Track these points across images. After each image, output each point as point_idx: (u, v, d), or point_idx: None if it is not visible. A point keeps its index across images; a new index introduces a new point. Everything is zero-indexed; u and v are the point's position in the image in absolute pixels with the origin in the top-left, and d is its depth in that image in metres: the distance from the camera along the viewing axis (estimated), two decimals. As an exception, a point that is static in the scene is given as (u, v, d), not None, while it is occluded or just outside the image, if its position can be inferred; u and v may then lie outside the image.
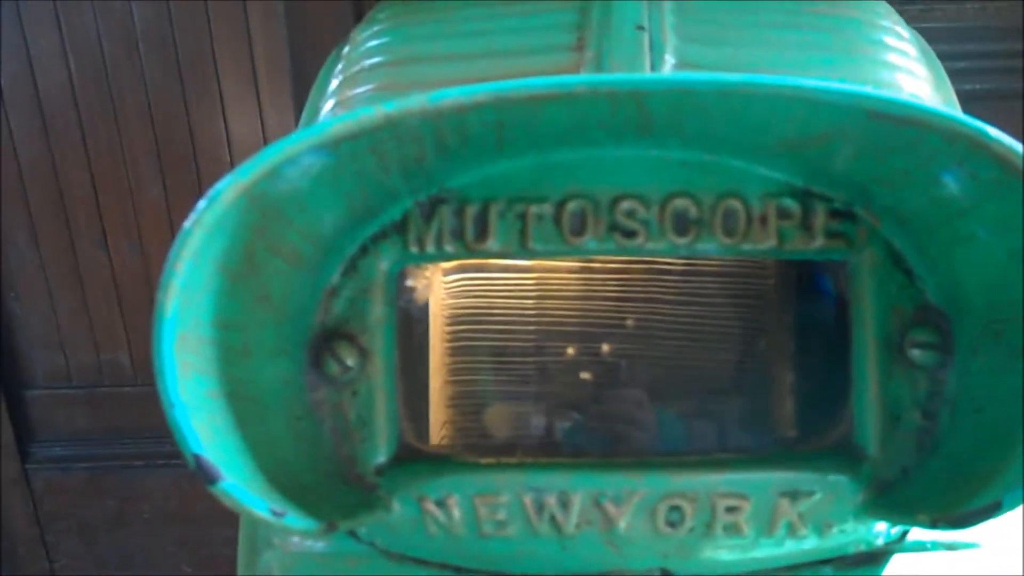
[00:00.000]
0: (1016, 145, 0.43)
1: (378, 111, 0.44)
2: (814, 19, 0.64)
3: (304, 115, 0.69)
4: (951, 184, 0.47)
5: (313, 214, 0.50)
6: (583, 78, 0.45)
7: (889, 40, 0.64)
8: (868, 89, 0.44)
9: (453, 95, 0.45)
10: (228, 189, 0.43)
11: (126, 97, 1.45)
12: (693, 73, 0.53)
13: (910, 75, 0.62)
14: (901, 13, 0.71)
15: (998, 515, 0.46)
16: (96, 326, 1.55)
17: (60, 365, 1.56)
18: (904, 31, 0.67)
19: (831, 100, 0.44)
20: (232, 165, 1.44)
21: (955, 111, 0.53)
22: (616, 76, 0.50)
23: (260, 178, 0.44)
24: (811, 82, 0.44)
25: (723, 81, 0.44)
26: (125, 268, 1.52)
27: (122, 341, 1.55)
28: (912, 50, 0.65)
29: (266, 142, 1.47)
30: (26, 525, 1.62)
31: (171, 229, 1.51)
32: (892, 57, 0.63)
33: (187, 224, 0.43)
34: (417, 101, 0.44)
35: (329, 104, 0.63)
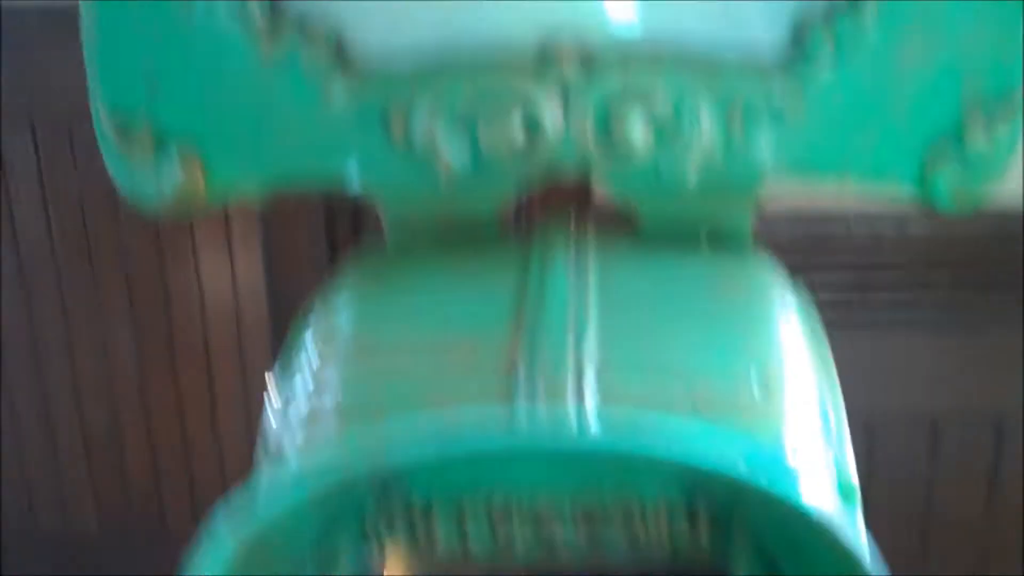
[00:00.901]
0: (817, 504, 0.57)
1: (332, 473, 0.58)
2: (716, 306, 0.76)
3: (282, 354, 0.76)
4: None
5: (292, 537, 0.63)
6: (493, 439, 0.57)
7: (780, 316, 0.76)
8: (713, 454, 0.57)
9: (397, 455, 0.58)
10: (224, 534, 0.56)
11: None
12: (584, 435, 0.64)
13: (793, 350, 0.73)
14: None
15: None
16: (66, 486, 1.62)
17: (29, 525, 1.63)
18: (790, 296, 0.77)
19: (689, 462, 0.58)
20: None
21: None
22: (519, 436, 0.61)
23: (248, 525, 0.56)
24: (673, 447, 0.57)
25: (605, 447, 0.58)
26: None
27: (90, 503, 1.62)
28: (795, 316, 0.75)
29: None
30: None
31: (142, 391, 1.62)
32: (781, 335, 0.75)
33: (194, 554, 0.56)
34: (367, 462, 0.59)
35: (308, 387, 0.72)
